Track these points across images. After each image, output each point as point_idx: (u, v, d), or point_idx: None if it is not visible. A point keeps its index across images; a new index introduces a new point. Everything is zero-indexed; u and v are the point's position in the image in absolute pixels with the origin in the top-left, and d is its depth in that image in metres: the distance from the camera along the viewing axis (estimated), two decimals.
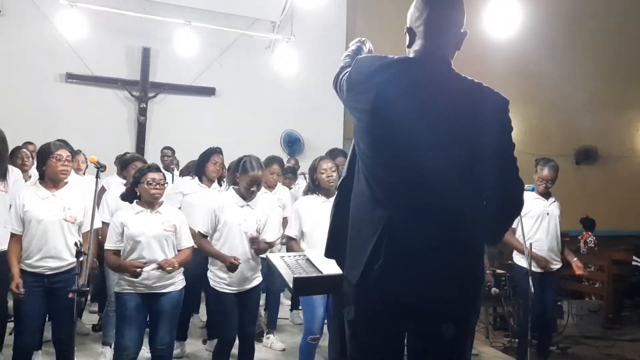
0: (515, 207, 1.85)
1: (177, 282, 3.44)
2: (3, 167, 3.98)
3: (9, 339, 4.10)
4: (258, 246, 3.56)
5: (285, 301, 5.77)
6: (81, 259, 2.92)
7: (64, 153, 3.41)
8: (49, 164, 3.38)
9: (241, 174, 3.58)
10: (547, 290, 4.19)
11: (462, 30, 1.82)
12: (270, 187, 5.00)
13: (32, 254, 3.34)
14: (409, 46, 1.87)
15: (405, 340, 1.82)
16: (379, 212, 1.72)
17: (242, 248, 3.51)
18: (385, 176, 1.74)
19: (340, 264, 1.90)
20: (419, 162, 1.70)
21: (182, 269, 3.46)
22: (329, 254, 1.94)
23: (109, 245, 3.35)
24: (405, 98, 1.72)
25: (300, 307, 5.66)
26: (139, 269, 3.20)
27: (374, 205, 1.74)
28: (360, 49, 2.06)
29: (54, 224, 3.34)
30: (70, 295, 2.87)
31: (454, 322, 1.72)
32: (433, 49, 1.80)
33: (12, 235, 3.38)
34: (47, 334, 4.19)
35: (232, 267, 3.40)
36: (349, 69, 1.89)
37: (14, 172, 4.09)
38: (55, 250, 3.35)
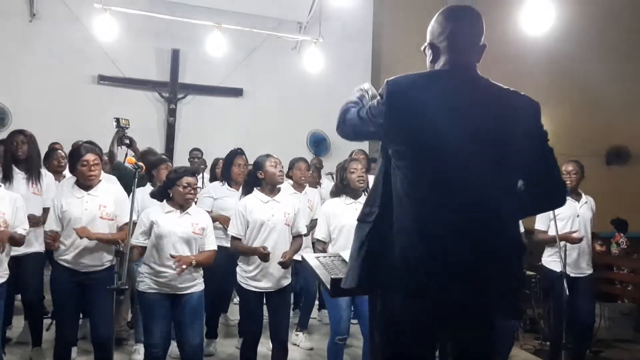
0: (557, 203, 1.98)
1: (199, 283, 3.46)
2: (35, 169, 4.09)
3: (46, 334, 4.23)
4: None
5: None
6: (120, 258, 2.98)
7: (90, 158, 3.45)
8: (78, 169, 3.47)
9: (259, 168, 3.62)
10: (579, 295, 4.12)
11: (481, 43, 1.86)
12: (300, 185, 5.01)
13: (70, 251, 3.41)
14: (433, 61, 1.89)
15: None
16: (427, 224, 1.72)
17: (273, 245, 3.53)
18: (429, 193, 1.74)
19: (380, 285, 1.85)
20: (459, 171, 1.72)
21: (201, 271, 3.48)
22: (365, 280, 1.85)
23: (134, 241, 3.37)
24: (442, 108, 1.74)
25: None
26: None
27: (417, 218, 1.74)
28: (363, 97, 2.04)
29: (90, 222, 3.40)
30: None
31: (494, 322, 1.80)
32: (459, 61, 1.83)
33: (47, 231, 3.45)
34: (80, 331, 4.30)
35: (264, 257, 3.42)
36: (355, 108, 1.91)
37: (47, 175, 4.19)
38: (92, 248, 3.41)
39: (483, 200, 1.72)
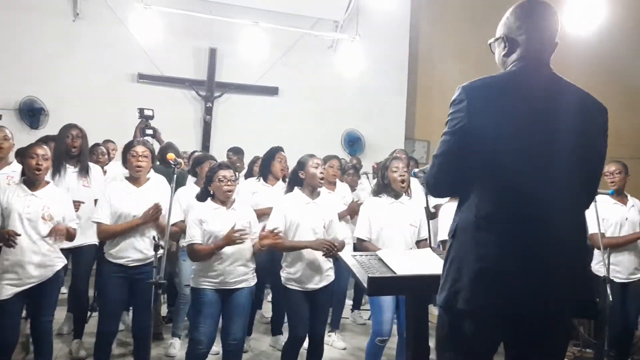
0: None
1: (250, 278, 3.48)
2: (85, 163, 4.19)
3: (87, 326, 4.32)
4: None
5: (347, 301, 5.75)
6: (159, 252, 3.01)
7: (139, 149, 3.54)
8: (128, 159, 3.54)
9: (301, 168, 3.61)
10: (629, 302, 3.98)
11: (556, 41, 1.84)
12: (331, 183, 5.01)
13: (116, 246, 3.47)
14: (507, 55, 1.86)
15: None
16: (497, 227, 1.69)
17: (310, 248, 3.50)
18: (507, 194, 1.70)
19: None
20: (533, 170, 1.70)
21: (253, 265, 3.51)
22: (439, 300, 1.79)
23: (193, 241, 3.37)
24: (520, 110, 1.72)
25: (362, 308, 5.66)
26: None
27: (488, 226, 1.70)
28: None
29: (137, 218, 3.45)
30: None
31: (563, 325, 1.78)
32: (536, 56, 1.81)
33: (99, 224, 3.50)
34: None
35: (327, 251, 3.42)
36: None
37: (95, 168, 4.30)
38: (138, 243, 3.47)
39: (558, 209, 1.69)
